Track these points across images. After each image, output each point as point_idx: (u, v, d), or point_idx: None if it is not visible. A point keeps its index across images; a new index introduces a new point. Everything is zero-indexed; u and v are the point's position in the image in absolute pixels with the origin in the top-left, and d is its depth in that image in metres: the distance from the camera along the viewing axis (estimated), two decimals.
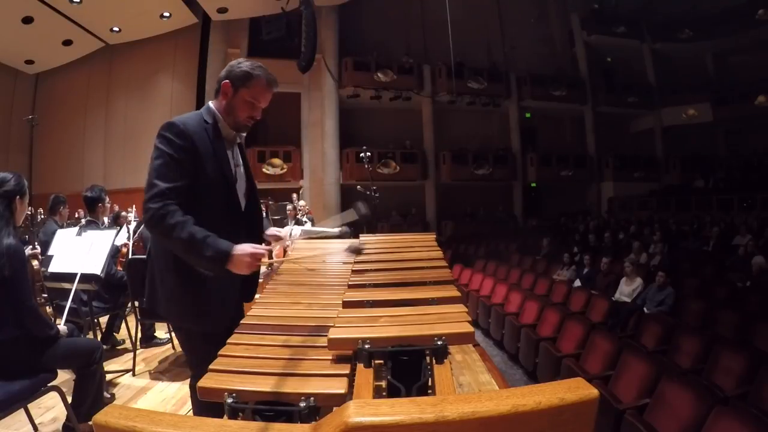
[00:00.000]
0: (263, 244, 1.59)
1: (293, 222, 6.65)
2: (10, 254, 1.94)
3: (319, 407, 0.84)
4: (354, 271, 1.52)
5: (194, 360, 1.69)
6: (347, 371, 0.93)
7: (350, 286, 1.39)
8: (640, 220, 12.43)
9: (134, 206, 5.39)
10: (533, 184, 15.78)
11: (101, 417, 0.59)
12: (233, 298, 1.64)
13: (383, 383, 0.94)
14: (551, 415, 0.50)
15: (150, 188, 1.44)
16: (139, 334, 3.85)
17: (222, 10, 11.37)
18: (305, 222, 6.43)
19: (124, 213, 5.62)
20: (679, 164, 16.21)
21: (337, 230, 2.19)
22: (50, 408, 2.63)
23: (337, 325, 1.02)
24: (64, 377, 2.61)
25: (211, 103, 1.67)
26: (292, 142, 13.18)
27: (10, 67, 11.09)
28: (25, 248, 2.20)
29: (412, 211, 14.66)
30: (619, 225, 12.29)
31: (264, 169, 12.43)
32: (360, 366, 0.90)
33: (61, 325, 2.29)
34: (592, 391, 0.52)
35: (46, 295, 2.59)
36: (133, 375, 3.31)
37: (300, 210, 7.16)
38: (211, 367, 0.94)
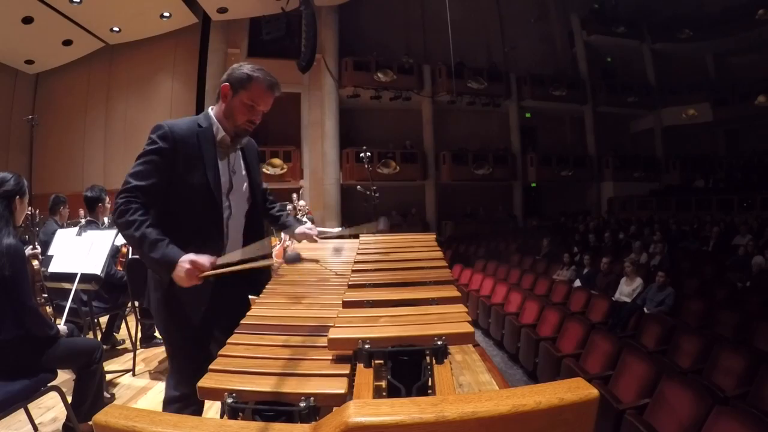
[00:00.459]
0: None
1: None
2: (10, 254, 1.94)
3: (319, 407, 0.84)
4: (354, 271, 1.52)
5: (171, 366, 1.68)
6: (347, 371, 0.93)
7: (350, 286, 1.39)
8: (640, 220, 12.44)
9: None
10: (533, 184, 15.79)
11: (101, 417, 0.59)
12: (200, 307, 1.59)
13: (383, 383, 0.94)
14: (551, 415, 0.50)
15: (123, 184, 1.48)
16: (139, 334, 3.85)
17: (222, 10, 11.37)
18: (305, 222, 6.43)
19: None
20: (679, 164, 16.22)
21: (337, 230, 2.20)
22: (50, 408, 2.63)
23: (337, 325, 1.02)
24: (64, 377, 2.61)
25: (210, 109, 1.66)
26: (292, 142, 13.18)
27: (10, 67, 11.08)
28: (25, 248, 2.20)
29: (412, 211, 14.66)
30: (619, 225, 12.30)
31: (264, 169, 12.42)
32: (360, 366, 0.90)
33: (61, 325, 2.29)
34: (592, 391, 0.52)
35: (46, 295, 2.59)
36: (133, 375, 3.30)
37: (300, 210, 7.16)
38: (211, 367, 0.94)
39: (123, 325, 3.96)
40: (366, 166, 5.76)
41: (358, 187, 5.33)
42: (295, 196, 8.85)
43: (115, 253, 3.81)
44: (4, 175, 2.10)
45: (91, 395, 2.31)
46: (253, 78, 1.55)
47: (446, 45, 12.26)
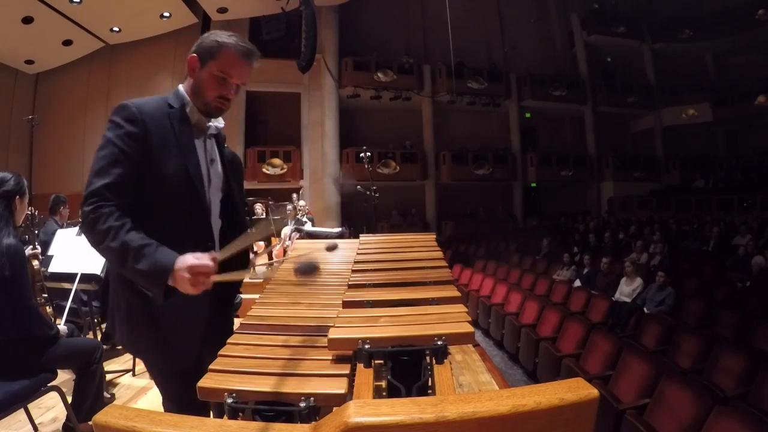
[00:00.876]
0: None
1: (293, 222, 6.65)
2: (10, 254, 1.94)
3: (319, 407, 0.84)
4: (354, 271, 1.52)
5: (163, 396, 1.40)
6: (347, 371, 0.93)
7: (350, 286, 1.39)
8: (640, 220, 12.44)
9: None
10: (533, 184, 15.79)
11: (101, 417, 0.59)
12: (198, 328, 1.32)
13: (383, 383, 0.94)
14: (551, 415, 0.50)
15: (86, 186, 1.20)
16: None
17: (222, 10, 11.38)
18: (305, 222, 6.43)
19: None
20: (679, 164, 16.23)
21: (337, 230, 2.19)
22: (50, 408, 2.63)
23: (337, 325, 1.02)
24: (64, 377, 2.61)
25: (181, 86, 1.41)
26: (292, 142, 13.19)
27: (10, 67, 11.08)
28: (25, 248, 2.20)
29: (412, 211, 14.67)
30: (619, 225, 12.30)
31: (264, 169, 12.44)
32: (360, 366, 0.90)
33: (61, 325, 2.29)
34: (592, 391, 0.52)
35: (46, 295, 2.59)
36: (133, 375, 3.30)
37: (300, 210, 7.16)
38: (211, 367, 0.94)
39: None
40: (366, 166, 5.77)
41: (359, 187, 5.34)
42: (295, 196, 8.85)
43: None
44: (4, 175, 2.10)
45: (91, 395, 2.31)
46: (223, 45, 1.31)
47: (446, 45, 12.26)
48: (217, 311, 1.40)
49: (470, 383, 1.58)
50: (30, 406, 2.13)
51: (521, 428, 0.50)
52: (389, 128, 14.52)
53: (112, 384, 3.17)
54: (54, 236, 3.41)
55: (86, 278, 2.99)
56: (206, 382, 0.89)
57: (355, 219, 12.22)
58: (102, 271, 3.02)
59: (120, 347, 3.96)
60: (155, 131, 1.27)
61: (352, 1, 12.75)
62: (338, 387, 0.87)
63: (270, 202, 7.89)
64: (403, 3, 14.98)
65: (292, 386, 0.87)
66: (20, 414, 2.16)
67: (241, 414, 0.84)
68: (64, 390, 2.16)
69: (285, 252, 4.55)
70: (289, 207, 7.34)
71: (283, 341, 1.08)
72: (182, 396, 1.27)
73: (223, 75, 1.32)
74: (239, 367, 0.95)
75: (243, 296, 2.90)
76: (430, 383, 0.90)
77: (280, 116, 12.43)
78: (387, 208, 13.53)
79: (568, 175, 15.65)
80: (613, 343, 4.18)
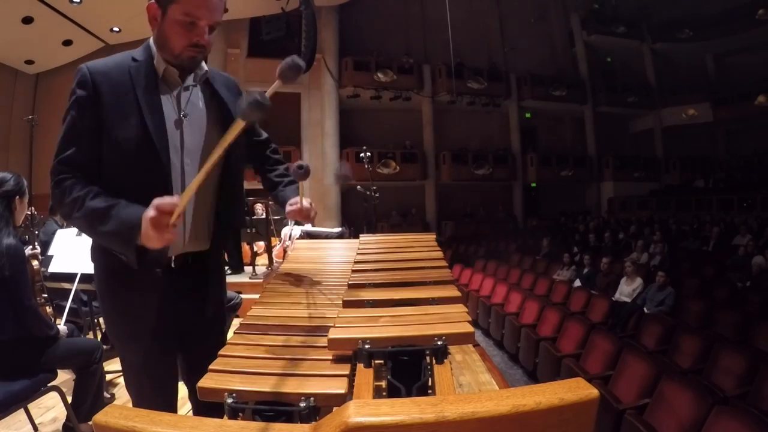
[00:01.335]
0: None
1: (293, 222, 6.64)
2: (10, 254, 1.94)
3: (319, 407, 0.84)
4: (354, 271, 1.52)
5: (129, 391, 1.30)
6: (347, 371, 0.93)
7: (350, 286, 1.39)
8: (640, 220, 12.44)
9: None
10: (533, 184, 15.80)
11: (101, 417, 0.59)
12: (147, 314, 1.21)
13: (383, 383, 0.94)
14: (551, 415, 0.50)
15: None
16: None
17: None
18: (305, 222, 6.42)
19: None
20: (679, 164, 16.24)
21: (337, 230, 2.18)
22: (50, 408, 2.63)
23: (337, 325, 1.02)
24: (64, 377, 2.61)
25: (150, 39, 1.21)
26: (292, 142, 13.18)
27: (10, 67, 11.08)
28: (25, 248, 2.20)
29: (412, 211, 14.67)
30: (619, 225, 12.31)
31: None
32: (360, 366, 0.90)
33: (61, 325, 2.29)
34: (592, 391, 0.52)
35: (46, 295, 2.59)
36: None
37: None
38: (211, 367, 0.94)
39: None
40: (366, 166, 5.77)
41: (359, 187, 5.34)
42: None
43: None
44: (4, 175, 2.10)
45: (91, 395, 2.31)
46: None
47: (446, 45, 12.26)
48: (195, 307, 1.29)
49: (470, 383, 1.58)
50: (30, 406, 2.13)
51: (521, 428, 0.50)
52: (389, 128, 14.52)
53: (112, 384, 3.16)
54: (54, 236, 3.41)
55: (86, 278, 2.99)
56: (206, 382, 0.89)
57: (355, 219, 12.22)
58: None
59: None
60: (109, 91, 1.12)
61: (352, 1, 12.75)
62: (338, 387, 0.87)
63: (270, 202, 7.88)
64: (403, 3, 14.98)
65: (292, 386, 0.87)
66: (20, 414, 2.16)
67: (241, 414, 0.84)
68: (64, 390, 2.16)
69: (285, 252, 4.54)
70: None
71: (283, 341, 1.08)
72: (143, 392, 1.26)
73: (190, 18, 1.11)
74: (239, 367, 0.95)
75: (243, 296, 2.90)
76: (430, 383, 0.90)
77: (280, 116, 12.41)
78: (387, 208, 13.53)
79: (568, 175, 15.66)
80: (613, 343, 4.18)
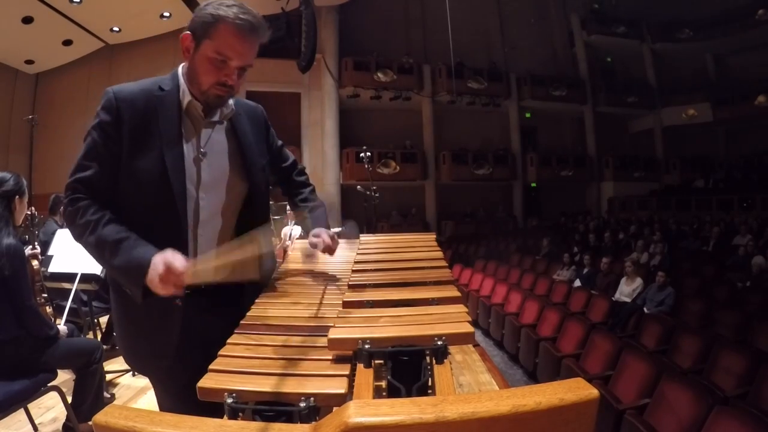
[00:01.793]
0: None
1: (293, 222, 6.65)
2: (10, 254, 1.94)
3: (319, 407, 0.84)
4: (354, 271, 1.52)
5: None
6: (347, 371, 0.93)
7: (350, 286, 1.39)
8: (640, 220, 12.44)
9: None
10: (533, 184, 15.80)
11: (101, 417, 0.59)
12: (170, 337, 1.17)
13: (383, 383, 0.94)
14: (551, 415, 0.50)
15: (68, 177, 1.13)
16: None
17: None
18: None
19: None
20: (679, 164, 16.25)
21: (337, 230, 2.16)
22: (50, 408, 2.63)
23: (337, 325, 1.01)
24: (64, 377, 2.61)
25: (181, 67, 1.21)
26: (292, 142, 13.18)
27: (10, 67, 11.08)
28: (25, 248, 2.20)
29: (412, 211, 14.67)
30: (619, 225, 12.30)
31: None
32: (360, 366, 0.90)
33: (61, 325, 2.29)
34: (593, 391, 0.52)
35: (46, 295, 2.59)
36: (133, 375, 3.30)
37: None
38: (211, 367, 0.94)
39: None
40: (366, 166, 5.77)
41: (359, 187, 5.34)
42: None
43: None
44: (4, 175, 2.10)
45: (91, 395, 2.31)
46: (220, 19, 1.07)
47: (446, 45, 12.26)
48: (208, 314, 1.22)
49: (470, 383, 1.58)
50: (30, 406, 2.13)
51: (521, 428, 0.50)
52: (389, 128, 14.52)
53: (112, 384, 3.17)
54: (54, 236, 3.41)
55: (86, 278, 3.00)
56: (206, 382, 0.89)
57: (355, 219, 12.22)
58: (102, 271, 3.02)
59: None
60: (132, 120, 1.11)
61: (352, 1, 12.75)
62: (338, 387, 0.87)
63: (270, 202, 7.87)
64: (403, 3, 14.99)
65: (292, 386, 0.87)
66: (20, 414, 2.16)
67: (241, 414, 0.84)
68: (64, 390, 2.16)
69: (285, 252, 4.55)
70: (289, 207, 7.32)
71: (283, 341, 1.08)
72: (169, 403, 1.23)
73: (221, 57, 1.09)
74: (239, 367, 0.95)
75: None
76: (430, 383, 0.90)
77: (280, 116, 12.41)
78: (387, 208, 13.53)
79: (568, 175, 15.66)
80: (613, 343, 4.18)
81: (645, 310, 5.35)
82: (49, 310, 2.60)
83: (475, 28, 15.11)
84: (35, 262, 2.51)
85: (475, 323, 5.69)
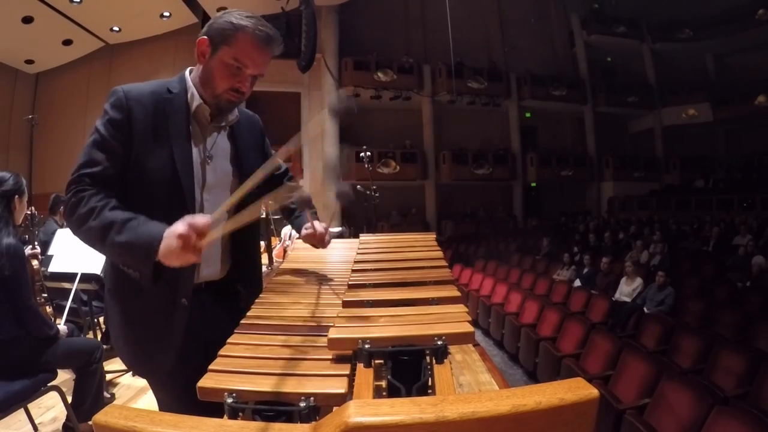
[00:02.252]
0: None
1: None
2: (9, 254, 1.94)
3: (319, 407, 0.84)
4: (354, 271, 1.52)
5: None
6: (347, 371, 0.93)
7: (350, 286, 1.39)
8: (640, 220, 12.44)
9: None
10: (533, 184, 15.80)
11: (101, 417, 0.59)
12: (174, 337, 1.18)
13: (383, 383, 0.94)
14: (551, 415, 0.50)
15: (72, 173, 1.12)
16: None
17: (222, 10, 11.38)
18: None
19: None
20: (679, 164, 16.24)
21: (337, 230, 2.16)
22: (50, 408, 2.63)
23: (337, 325, 1.01)
24: (64, 377, 2.61)
25: (188, 70, 1.25)
26: None
27: (10, 67, 11.08)
28: (25, 248, 2.20)
29: (412, 211, 14.67)
30: (619, 225, 12.30)
31: None
32: (360, 366, 0.90)
33: (61, 325, 2.29)
34: (592, 391, 0.52)
35: (46, 295, 2.59)
36: (133, 375, 3.30)
37: None
38: (210, 367, 0.94)
39: None
40: (366, 165, 5.77)
41: (359, 186, 5.34)
42: None
43: None
44: (3, 175, 2.10)
45: (91, 395, 2.31)
46: (240, 28, 1.14)
47: (446, 45, 12.27)
48: (209, 314, 1.25)
49: (470, 383, 1.58)
50: (30, 406, 2.13)
51: (521, 428, 0.50)
52: (389, 128, 14.51)
53: (112, 384, 3.17)
54: (54, 236, 3.42)
55: (86, 278, 3.00)
56: (206, 382, 0.89)
57: (355, 219, 12.22)
58: (102, 271, 3.02)
59: None
60: (141, 120, 1.13)
61: (352, 1, 12.75)
62: (338, 387, 0.87)
63: (270, 202, 7.87)
64: (403, 3, 14.99)
65: (292, 386, 0.87)
66: (20, 414, 2.16)
67: (241, 414, 0.84)
68: (64, 390, 2.16)
69: (285, 252, 4.54)
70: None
71: (283, 341, 1.08)
72: (169, 403, 1.24)
73: (237, 64, 1.14)
74: (239, 367, 0.95)
75: None
76: (430, 383, 0.90)
77: (280, 116, 12.41)
78: (387, 208, 13.53)
79: (568, 175, 15.66)
80: (613, 343, 4.18)
81: (645, 310, 5.35)
82: (49, 309, 2.60)
83: (475, 27, 15.11)
84: (35, 262, 2.51)
85: (475, 323, 5.69)
